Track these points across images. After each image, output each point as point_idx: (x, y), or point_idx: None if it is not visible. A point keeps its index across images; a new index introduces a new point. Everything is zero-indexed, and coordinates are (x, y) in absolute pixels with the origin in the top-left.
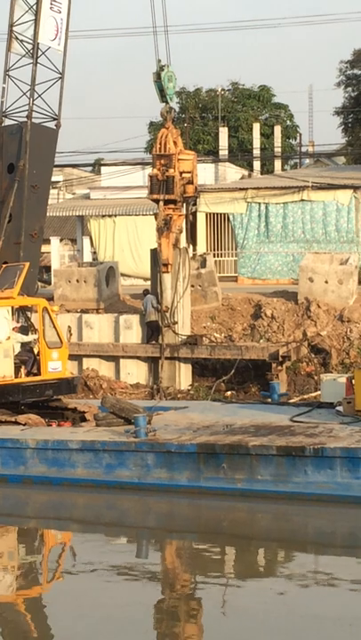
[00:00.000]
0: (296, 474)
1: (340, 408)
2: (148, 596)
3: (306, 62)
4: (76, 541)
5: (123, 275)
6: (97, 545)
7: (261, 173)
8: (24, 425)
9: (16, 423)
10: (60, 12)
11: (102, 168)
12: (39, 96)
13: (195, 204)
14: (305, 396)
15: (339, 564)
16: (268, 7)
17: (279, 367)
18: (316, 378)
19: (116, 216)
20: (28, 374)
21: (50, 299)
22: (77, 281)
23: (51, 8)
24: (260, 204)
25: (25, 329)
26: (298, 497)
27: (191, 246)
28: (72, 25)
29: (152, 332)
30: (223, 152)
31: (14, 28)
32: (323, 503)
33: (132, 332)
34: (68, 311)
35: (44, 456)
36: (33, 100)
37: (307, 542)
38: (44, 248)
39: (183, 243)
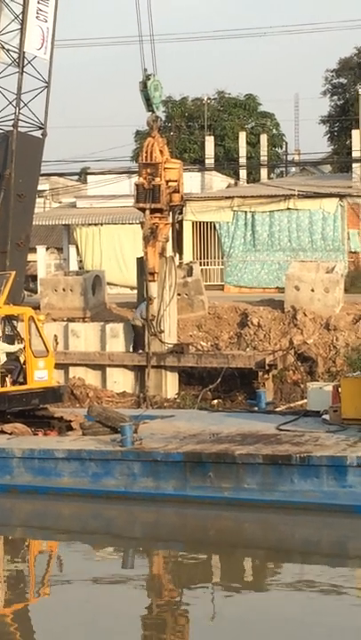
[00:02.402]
0: (282, 482)
1: (326, 416)
2: (135, 605)
3: (292, 71)
4: (62, 551)
5: (109, 283)
6: (83, 554)
7: (248, 182)
8: (10, 434)
9: (2, 432)
10: (47, 21)
11: (88, 177)
12: (25, 105)
13: (181, 213)
14: (291, 405)
15: (325, 573)
16: (254, 16)
17: (266, 376)
18: (302, 386)
19: (102, 225)
20: (13, 383)
21: (36, 307)
22: (64, 290)
23: (37, 17)
24: (246, 212)
25: (11, 338)
26: (284, 505)
27: (177, 255)
28: (58, 34)
29: (136, 336)
30: (209, 161)
31: (0, 37)
32: (309, 512)
33: (118, 341)
34: (55, 320)
35: (30, 465)
36: (19, 109)
37: (293, 551)
38: (30, 257)
39: (169, 251)
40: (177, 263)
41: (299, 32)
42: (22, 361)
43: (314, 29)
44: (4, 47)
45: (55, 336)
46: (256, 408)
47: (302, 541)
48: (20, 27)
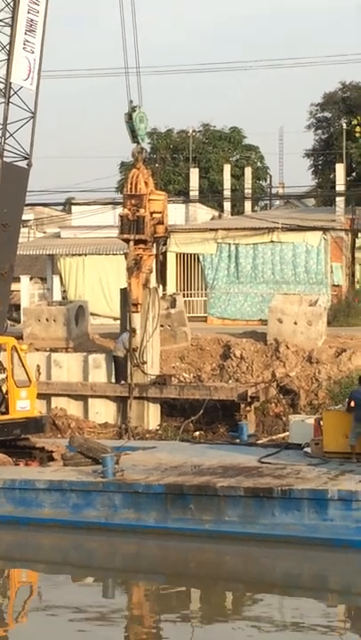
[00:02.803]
0: (264, 515)
1: (308, 449)
2: (114, 637)
3: (277, 105)
4: (43, 582)
5: (92, 314)
6: (63, 586)
7: (232, 214)
8: None
9: None
10: (33, 52)
11: (73, 207)
12: (11, 135)
13: (165, 244)
14: (273, 437)
15: (306, 607)
16: (239, 50)
17: (248, 408)
18: (284, 419)
19: (86, 255)
20: None
21: (19, 337)
22: (47, 320)
23: (24, 48)
24: (230, 244)
25: None
26: (265, 538)
27: (161, 286)
28: (44, 64)
29: (118, 367)
30: (194, 193)
31: None
32: (290, 545)
33: (100, 372)
34: (37, 350)
35: (10, 495)
36: (5, 140)
37: (274, 584)
38: (13, 286)
39: (153, 282)
40: (160, 294)
41: (284, 66)
42: (4, 391)
43: (298, 64)
44: None
45: (38, 366)
46: (238, 440)
47: (283, 574)
48: (7, 57)
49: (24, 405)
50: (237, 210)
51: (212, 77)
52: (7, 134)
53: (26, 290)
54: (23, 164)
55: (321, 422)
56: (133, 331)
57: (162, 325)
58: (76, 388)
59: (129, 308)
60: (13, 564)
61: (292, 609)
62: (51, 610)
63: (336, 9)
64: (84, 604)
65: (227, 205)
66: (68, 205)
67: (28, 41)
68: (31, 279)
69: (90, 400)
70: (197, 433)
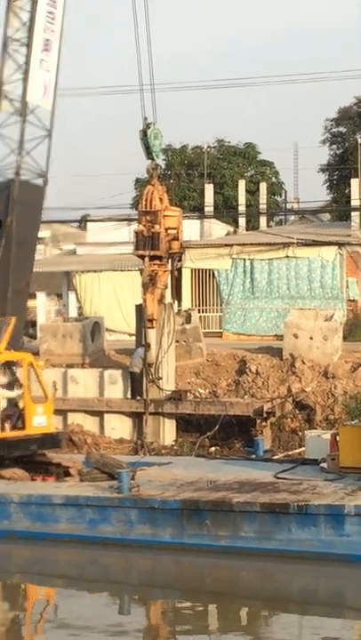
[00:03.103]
0: (280, 531)
1: (324, 465)
2: None
3: (291, 120)
4: (59, 597)
5: (108, 330)
6: (79, 601)
7: (247, 230)
8: (8, 479)
9: (0, 478)
10: (49, 71)
11: (89, 224)
12: (27, 153)
13: (180, 260)
14: (289, 453)
15: (323, 624)
16: (254, 65)
17: (263, 423)
18: (300, 434)
19: (101, 271)
20: (12, 429)
21: (35, 353)
22: (63, 336)
23: (40, 66)
24: (245, 260)
25: (10, 384)
26: (282, 554)
27: (176, 302)
28: (60, 83)
29: (134, 383)
30: (209, 208)
31: (4, 87)
32: (307, 561)
33: (116, 387)
34: (54, 366)
35: (27, 511)
36: (21, 158)
37: (290, 601)
38: (30, 303)
39: (168, 298)
40: (176, 310)
41: (299, 81)
42: (21, 407)
43: (312, 79)
44: (7, 96)
45: (54, 382)
46: (254, 456)
47: (300, 591)
48: (23, 76)
49: (40, 421)
50: (252, 225)
51: (226, 93)
52: (23, 153)
53: (42, 306)
54: (39, 181)
55: (337, 437)
56: (148, 346)
57: (177, 341)
58: (93, 403)
59: (144, 324)
60: (30, 579)
61: (308, 626)
62: (67, 625)
63: (351, 24)
64: (100, 620)
65: (242, 221)
66: (83, 222)
67: (43, 60)
68: (47, 296)
69: (106, 416)
70: (213, 448)
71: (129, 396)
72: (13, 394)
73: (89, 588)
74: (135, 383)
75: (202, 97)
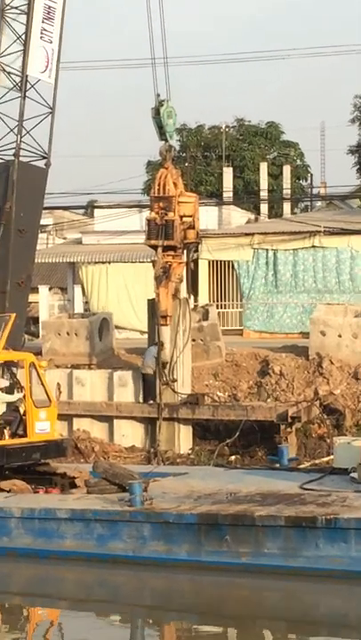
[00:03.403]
0: (307, 547)
1: (354, 474)
2: None
3: (317, 97)
4: (65, 620)
5: (117, 327)
6: (87, 624)
7: (269, 217)
8: (8, 491)
9: (0, 490)
10: (52, 42)
11: (96, 211)
12: (27, 132)
13: (196, 251)
14: (317, 461)
15: None
16: (275, 38)
17: (288, 429)
18: (328, 441)
19: (110, 263)
20: (12, 436)
21: (37, 353)
22: (68, 334)
23: (41, 37)
24: (267, 250)
25: (10, 386)
26: (309, 573)
27: (192, 297)
28: (64, 56)
29: (146, 385)
30: (227, 194)
31: (1, 59)
32: (336, 580)
33: (127, 390)
34: (58, 367)
35: (29, 526)
36: (21, 137)
37: (319, 623)
38: (31, 297)
39: (183, 293)
40: (192, 306)
41: (324, 54)
42: (22, 411)
43: (341, 52)
44: (4, 70)
45: (58, 384)
46: (278, 465)
47: (328, 612)
48: (22, 48)
49: (44, 427)
50: (275, 212)
51: (246, 68)
52: (23, 132)
53: (45, 301)
54: (41, 163)
55: None
56: (161, 344)
57: (193, 340)
58: (101, 408)
59: (157, 321)
60: (33, 601)
61: None
62: None
63: None
64: None
65: (263, 207)
66: (90, 209)
67: (45, 30)
68: (50, 289)
69: (115, 421)
70: (233, 457)
71: (141, 399)
72: (14, 397)
73: (97, 611)
74: (148, 385)
75: (220, 72)
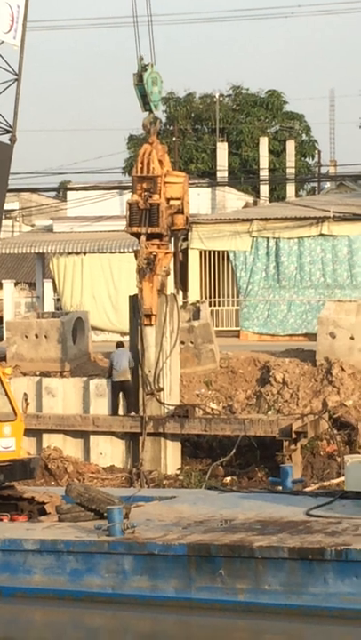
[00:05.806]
0: (313, 583)
1: None
2: None
3: (326, 62)
4: None
5: (94, 328)
6: None
7: (270, 200)
8: None
9: None
10: None
11: (69, 193)
12: None
13: (185, 239)
14: (325, 484)
15: None
16: None
17: (293, 446)
18: (339, 460)
19: (85, 254)
20: None
21: (1, 358)
22: (36, 336)
23: None
24: (268, 239)
25: None
26: (316, 612)
27: (181, 292)
28: (31, 14)
29: (122, 393)
30: (222, 173)
31: None
32: (348, 620)
33: (104, 401)
34: (25, 374)
35: None
36: None
37: None
38: None
39: (171, 288)
40: (180, 303)
41: (333, 12)
42: None
43: (353, 9)
44: None
45: (25, 395)
46: (280, 488)
47: None
48: None
49: (8, 445)
50: (277, 195)
51: (244, 27)
52: None
53: (9, 298)
54: (5, 138)
55: None
56: (144, 348)
57: (182, 342)
58: (74, 422)
59: (140, 321)
60: None
61: None
62: None
63: None
64: None
65: (264, 189)
66: (62, 191)
67: None
68: (16, 285)
69: (92, 437)
70: (228, 478)
71: (121, 412)
72: None
73: None
74: (128, 395)
75: (213, 33)
